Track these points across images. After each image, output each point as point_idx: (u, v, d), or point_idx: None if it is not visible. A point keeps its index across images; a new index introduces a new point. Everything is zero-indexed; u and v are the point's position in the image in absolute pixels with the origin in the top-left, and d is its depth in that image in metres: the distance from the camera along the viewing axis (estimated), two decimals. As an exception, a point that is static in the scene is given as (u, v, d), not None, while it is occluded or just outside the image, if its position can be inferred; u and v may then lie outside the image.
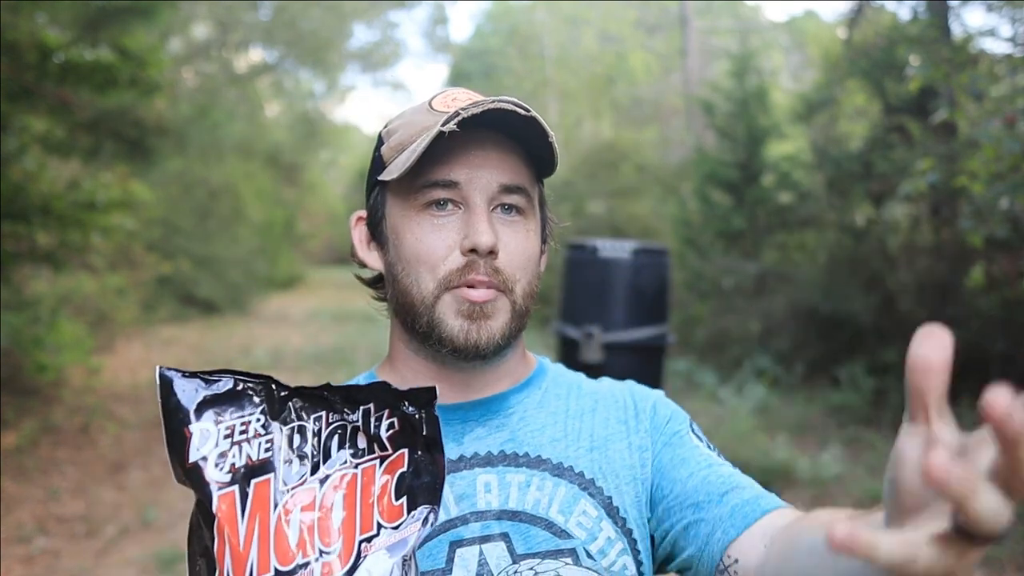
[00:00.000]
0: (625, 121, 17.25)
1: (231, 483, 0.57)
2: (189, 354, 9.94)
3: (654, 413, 0.86)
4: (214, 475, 0.56)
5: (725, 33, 16.76)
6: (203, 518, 0.57)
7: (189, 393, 0.57)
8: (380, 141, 0.82)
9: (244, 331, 12.65)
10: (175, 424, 0.56)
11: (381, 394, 0.62)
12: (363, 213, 0.84)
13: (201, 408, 0.57)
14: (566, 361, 3.27)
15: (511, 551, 0.75)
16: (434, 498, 0.63)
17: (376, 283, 0.86)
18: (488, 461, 0.78)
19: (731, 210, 8.83)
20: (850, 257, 7.30)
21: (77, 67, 5.34)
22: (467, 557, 0.74)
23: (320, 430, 0.61)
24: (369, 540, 0.59)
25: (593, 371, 3.15)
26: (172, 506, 4.56)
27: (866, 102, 7.82)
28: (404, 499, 0.62)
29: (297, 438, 0.60)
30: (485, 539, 0.75)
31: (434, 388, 0.63)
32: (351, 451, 0.62)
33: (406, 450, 0.63)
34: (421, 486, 0.62)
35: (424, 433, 0.63)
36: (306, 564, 0.57)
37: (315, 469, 0.60)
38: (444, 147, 0.73)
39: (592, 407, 0.86)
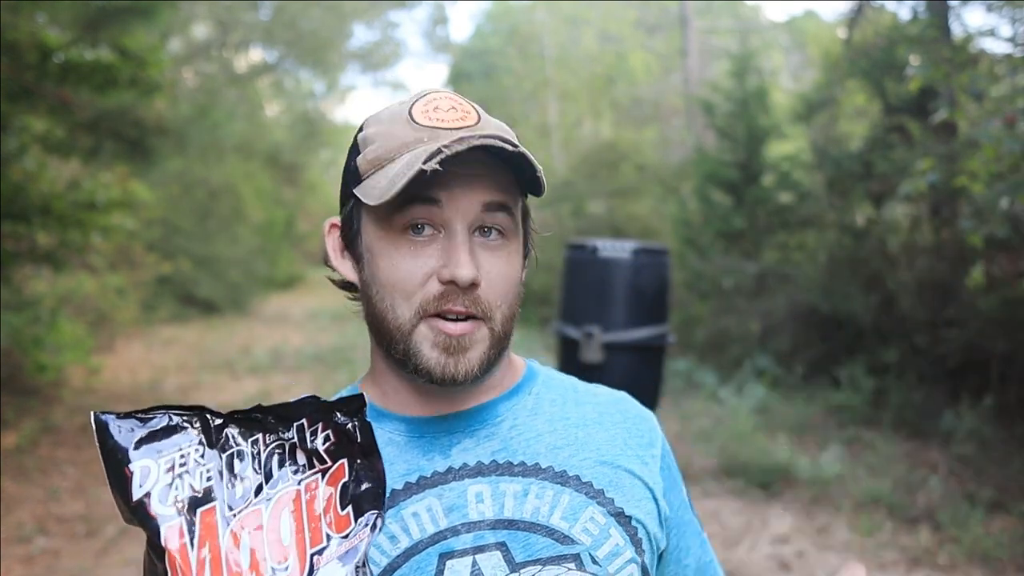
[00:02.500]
0: (625, 121, 17.25)
1: (177, 515, 0.57)
2: (189, 354, 9.94)
3: (663, 463, 0.86)
4: (159, 509, 0.57)
5: (725, 33, 16.76)
6: (154, 554, 0.57)
7: (125, 433, 0.58)
8: (356, 147, 0.77)
9: (244, 331, 12.65)
10: (115, 464, 0.57)
11: (311, 408, 0.62)
12: (337, 220, 0.81)
13: (139, 446, 0.58)
14: (566, 361, 3.27)
15: (509, 560, 0.73)
16: (378, 503, 0.63)
17: (350, 286, 0.83)
18: (479, 471, 0.76)
19: (731, 210, 8.83)
20: (850, 257, 7.29)
21: (77, 67, 5.34)
22: (458, 569, 0.72)
23: (259, 452, 0.61)
24: (320, 552, 0.60)
25: (593, 371, 3.14)
26: (172, 506, 4.56)
27: (866, 102, 7.82)
28: (350, 508, 0.62)
29: (237, 463, 0.60)
30: (479, 549, 0.73)
31: (362, 395, 0.63)
32: (292, 468, 0.62)
33: (345, 460, 0.63)
34: (364, 493, 0.63)
35: (359, 441, 0.63)
36: None
37: (258, 491, 0.60)
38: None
39: (596, 419, 0.84)
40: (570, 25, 21.32)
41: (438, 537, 0.73)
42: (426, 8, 21.23)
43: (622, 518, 0.78)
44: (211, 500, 0.58)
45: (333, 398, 0.65)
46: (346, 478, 0.63)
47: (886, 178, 6.58)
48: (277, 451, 0.62)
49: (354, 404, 0.63)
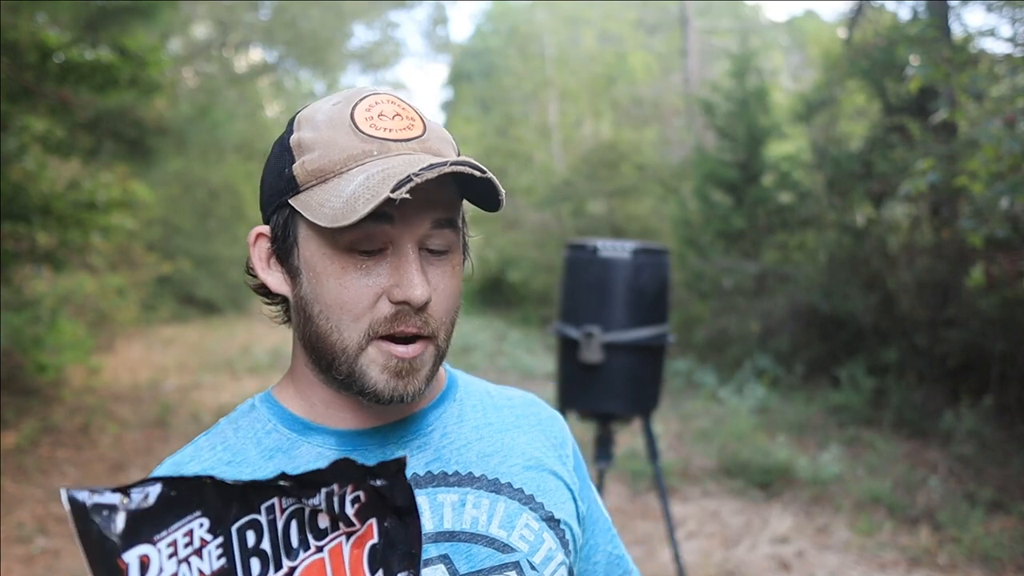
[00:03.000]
0: (625, 121, 17.24)
1: None
2: (189, 354, 9.94)
3: (575, 462, 0.89)
4: None
5: (725, 33, 16.76)
6: None
7: (109, 516, 0.48)
8: (288, 151, 0.72)
9: (244, 331, 12.65)
10: (103, 557, 0.47)
11: (345, 472, 0.57)
12: (264, 230, 0.75)
13: (131, 530, 0.48)
14: (566, 361, 3.27)
15: (453, 572, 0.73)
16: (411, 564, 0.59)
17: (270, 292, 0.78)
18: (415, 483, 0.75)
19: (731, 210, 8.83)
20: (850, 257, 7.30)
21: (77, 67, 5.34)
22: None
23: (275, 519, 0.55)
24: None
25: (593, 371, 3.13)
26: (172, 506, 4.56)
27: (866, 102, 7.82)
28: (380, 571, 0.58)
29: (251, 535, 0.54)
30: (424, 563, 0.72)
31: (403, 458, 0.59)
32: (313, 534, 0.57)
33: (374, 520, 0.58)
34: (395, 555, 0.58)
35: (397, 503, 0.58)
36: None
37: (278, 565, 0.55)
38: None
39: (514, 422, 0.85)
40: (570, 25, 21.32)
41: None
42: (426, 8, 21.23)
43: (552, 522, 0.79)
44: None
45: (367, 463, 0.59)
46: (375, 540, 0.58)
47: (886, 178, 6.58)
48: (295, 517, 0.56)
49: (394, 467, 0.58)
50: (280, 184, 0.72)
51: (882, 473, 4.93)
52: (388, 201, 0.62)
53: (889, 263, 6.97)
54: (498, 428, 0.83)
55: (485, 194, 0.71)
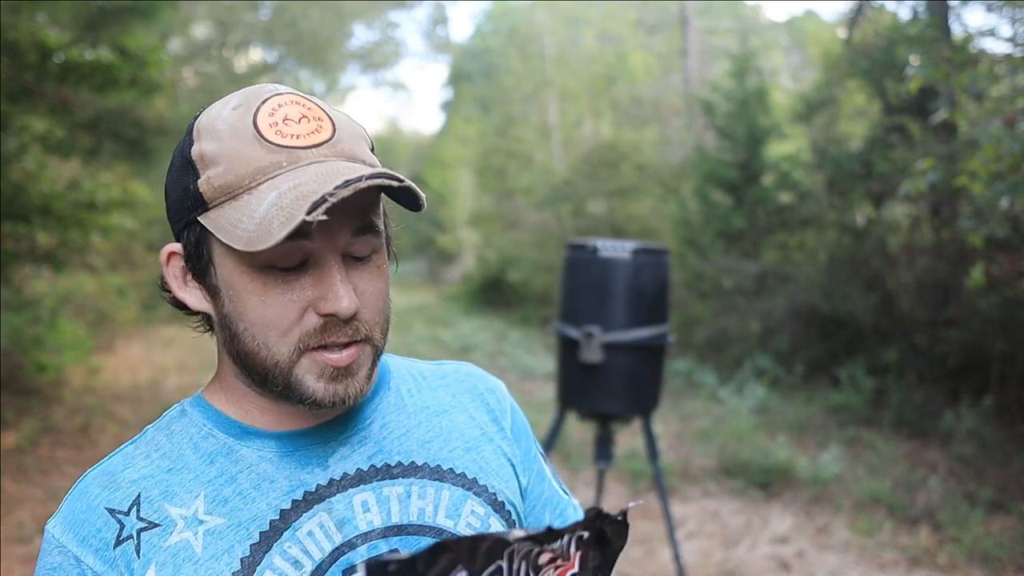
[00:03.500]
0: (625, 121, 17.24)
1: None
2: (189, 354, 9.94)
3: (514, 425, 0.88)
4: None
5: (725, 33, 16.76)
6: None
7: None
8: (191, 165, 0.67)
9: (244, 331, 12.65)
10: None
11: (594, 520, 0.61)
12: (176, 248, 0.72)
13: None
14: (566, 361, 3.27)
15: None
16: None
17: (191, 310, 0.76)
18: (360, 479, 0.74)
19: (731, 210, 8.83)
20: (850, 257, 7.30)
21: (77, 67, 5.34)
22: None
23: (512, 564, 0.57)
24: None
25: (593, 371, 3.13)
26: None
27: (866, 102, 7.82)
28: None
29: None
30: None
31: (627, 509, 0.63)
32: (533, 570, 0.59)
33: (579, 554, 0.62)
34: None
35: (609, 540, 0.63)
36: None
37: None
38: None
39: (451, 402, 0.85)
40: (570, 25, 21.32)
41: (337, 554, 0.71)
42: (426, 8, 21.25)
43: (496, 504, 0.79)
44: None
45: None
46: (575, 569, 0.61)
47: (886, 178, 6.58)
48: (524, 560, 0.58)
49: (622, 514, 0.63)
50: (187, 201, 0.68)
51: (882, 473, 4.93)
52: (304, 223, 0.60)
53: (889, 263, 6.97)
54: (435, 411, 0.83)
55: (405, 199, 0.69)
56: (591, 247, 3.19)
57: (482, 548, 0.54)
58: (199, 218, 0.67)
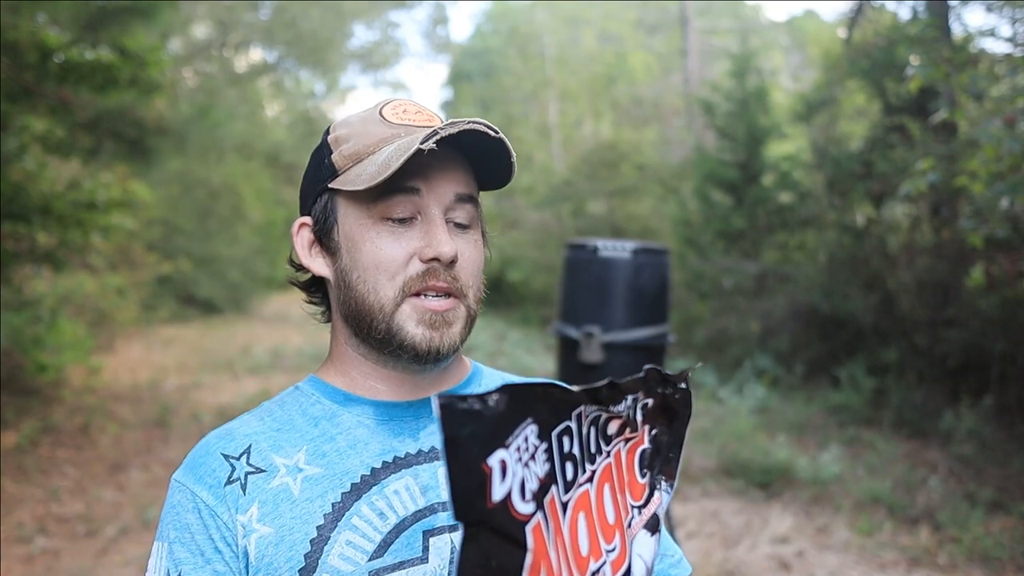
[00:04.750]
0: (625, 121, 17.24)
1: (535, 511, 0.51)
2: (189, 354, 9.94)
3: None
4: (523, 508, 0.49)
5: (725, 33, 16.76)
6: (507, 562, 0.48)
7: (476, 421, 0.48)
8: (327, 148, 0.81)
9: (244, 331, 12.65)
10: (468, 461, 0.47)
11: (650, 382, 0.63)
12: (307, 220, 0.83)
13: (492, 435, 0.49)
14: (566, 361, 3.27)
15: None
16: (671, 470, 0.66)
17: (310, 287, 0.88)
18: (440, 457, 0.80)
19: (731, 210, 8.83)
20: (850, 257, 7.30)
21: (77, 67, 5.34)
22: (440, 546, 0.77)
23: (580, 426, 0.58)
24: (629, 526, 0.61)
25: (593, 371, 3.12)
26: (172, 506, 4.55)
27: (866, 102, 7.82)
28: (647, 476, 0.64)
29: (566, 441, 0.56)
30: (454, 527, 0.77)
31: (694, 367, 0.66)
32: (604, 439, 0.61)
33: (647, 427, 0.64)
34: (659, 459, 0.65)
35: (675, 409, 0.65)
36: (599, 568, 0.56)
37: (584, 469, 0.58)
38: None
39: None
40: (570, 25, 21.32)
41: (419, 515, 0.78)
42: (426, 8, 21.25)
43: None
44: (551, 487, 0.54)
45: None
46: (645, 445, 0.64)
47: (886, 178, 6.58)
48: (593, 424, 0.59)
49: (682, 375, 0.65)
50: (320, 173, 0.81)
51: (882, 473, 4.93)
52: (412, 174, 0.74)
53: (889, 263, 6.97)
54: None
55: (498, 164, 0.79)
56: (591, 247, 3.19)
57: (553, 397, 0.54)
58: (330, 184, 0.79)
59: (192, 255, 12.71)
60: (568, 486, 0.56)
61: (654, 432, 0.64)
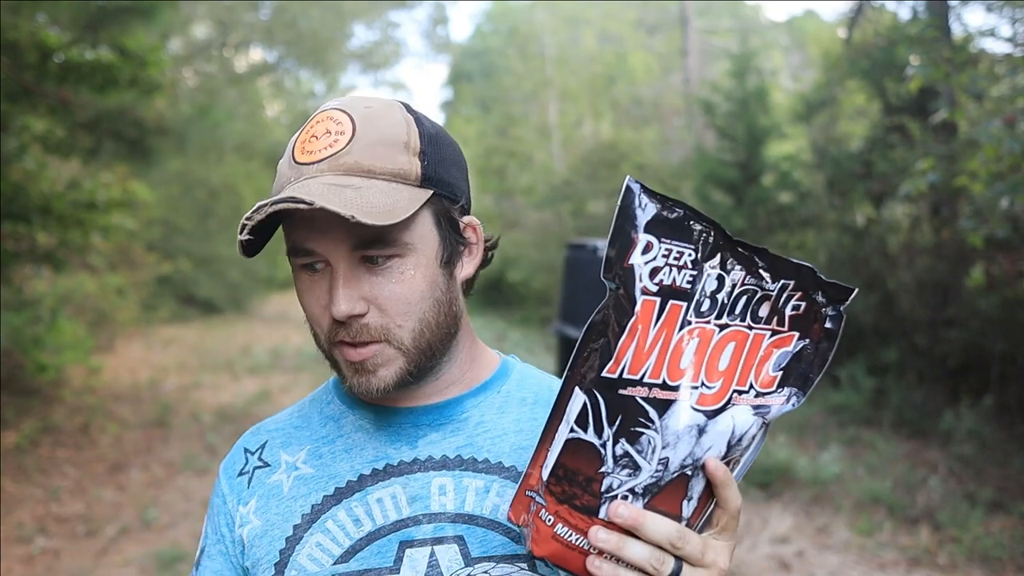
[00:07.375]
0: (625, 121, 17.24)
1: (656, 294, 0.62)
2: (189, 354, 9.94)
3: None
4: (645, 282, 0.62)
5: (725, 33, 16.76)
6: (617, 315, 0.62)
7: (647, 207, 0.61)
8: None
9: (244, 331, 12.65)
10: (625, 226, 0.61)
11: (804, 277, 0.66)
12: None
13: (653, 223, 0.61)
14: (566, 361, 3.28)
15: (465, 553, 0.75)
16: (805, 385, 0.69)
17: None
18: (444, 465, 0.79)
19: (731, 210, 8.82)
20: (850, 257, 7.30)
21: (77, 67, 5.34)
22: (416, 558, 0.75)
23: (735, 285, 0.65)
24: (740, 393, 0.66)
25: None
26: (172, 506, 4.56)
27: (866, 102, 7.82)
28: (780, 374, 0.68)
29: (715, 283, 0.64)
30: (438, 540, 0.76)
31: (853, 289, 0.68)
32: (752, 315, 0.66)
33: (797, 333, 0.68)
34: (797, 370, 0.68)
35: (826, 325, 0.68)
36: (680, 385, 0.64)
37: (719, 315, 0.65)
38: (299, 212, 0.71)
39: None
40: (570, 25, 21.32)
41: (400, 525, 0.77)
42: (426, 8, 21.26)
43: None
44: (683, 299, 0.63)
45: (825, 279, 0.67)
46: (789, 348, 0.68)
47: (886, 178, 6.58)
48: (747, 293, 0.66)
49: (844, 293, 0.67)
50: None
51: (882, 473, 4.93)
52: (303, 234, 0.72)
53: (889, 263, 6.97)
54: (543, 424, 0.84)
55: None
56: (591, 247, 3.19)
57: (718, 244, 0.64)
58: None
59: (192, 255, 12.71)
60: (698, 313, 0.64)
61: (802, 343, 0.68)
